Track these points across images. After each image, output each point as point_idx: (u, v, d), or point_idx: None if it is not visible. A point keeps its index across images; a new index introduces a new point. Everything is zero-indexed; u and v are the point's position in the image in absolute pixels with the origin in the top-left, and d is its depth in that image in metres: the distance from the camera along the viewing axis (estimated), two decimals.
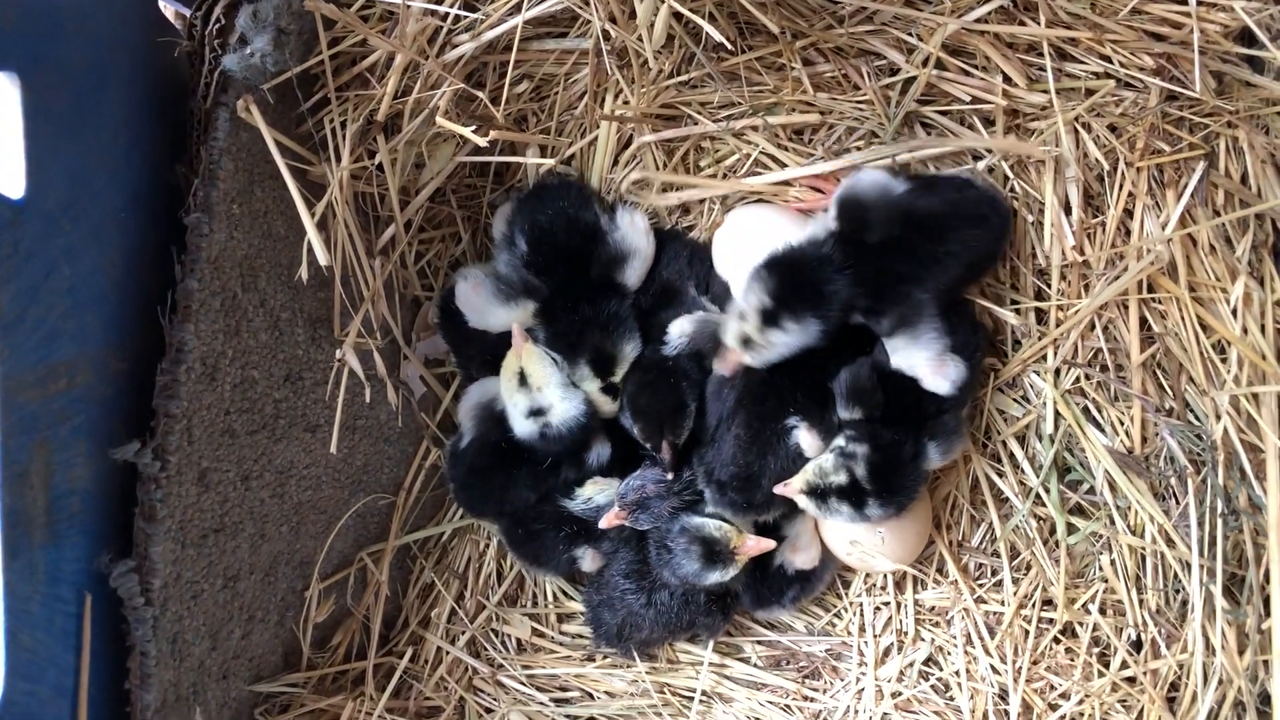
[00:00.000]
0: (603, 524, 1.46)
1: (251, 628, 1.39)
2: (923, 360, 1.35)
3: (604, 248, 1.50)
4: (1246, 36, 1.27)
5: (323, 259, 1.26)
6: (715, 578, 1.41)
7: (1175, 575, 1.39)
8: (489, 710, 1.59)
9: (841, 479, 1.36)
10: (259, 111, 1.24)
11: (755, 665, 1.63)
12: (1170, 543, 1.38)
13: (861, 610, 1.61)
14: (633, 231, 1.51)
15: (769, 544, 1.42)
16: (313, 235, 1.26)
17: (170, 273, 1.23)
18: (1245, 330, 1.31)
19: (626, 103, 1.49)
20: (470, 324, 1.51)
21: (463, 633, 1.63)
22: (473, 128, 1.25)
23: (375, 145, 1.41)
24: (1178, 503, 1.38)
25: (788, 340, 1.35)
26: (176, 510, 1.22)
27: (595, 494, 1.49)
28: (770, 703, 1.59)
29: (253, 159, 1.30)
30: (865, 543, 1.47)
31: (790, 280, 1.34)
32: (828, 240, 1.35)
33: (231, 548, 1.32)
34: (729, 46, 1.36)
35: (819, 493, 1.38)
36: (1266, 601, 1.30)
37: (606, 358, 1.48)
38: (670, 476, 1.45)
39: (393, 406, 1.51)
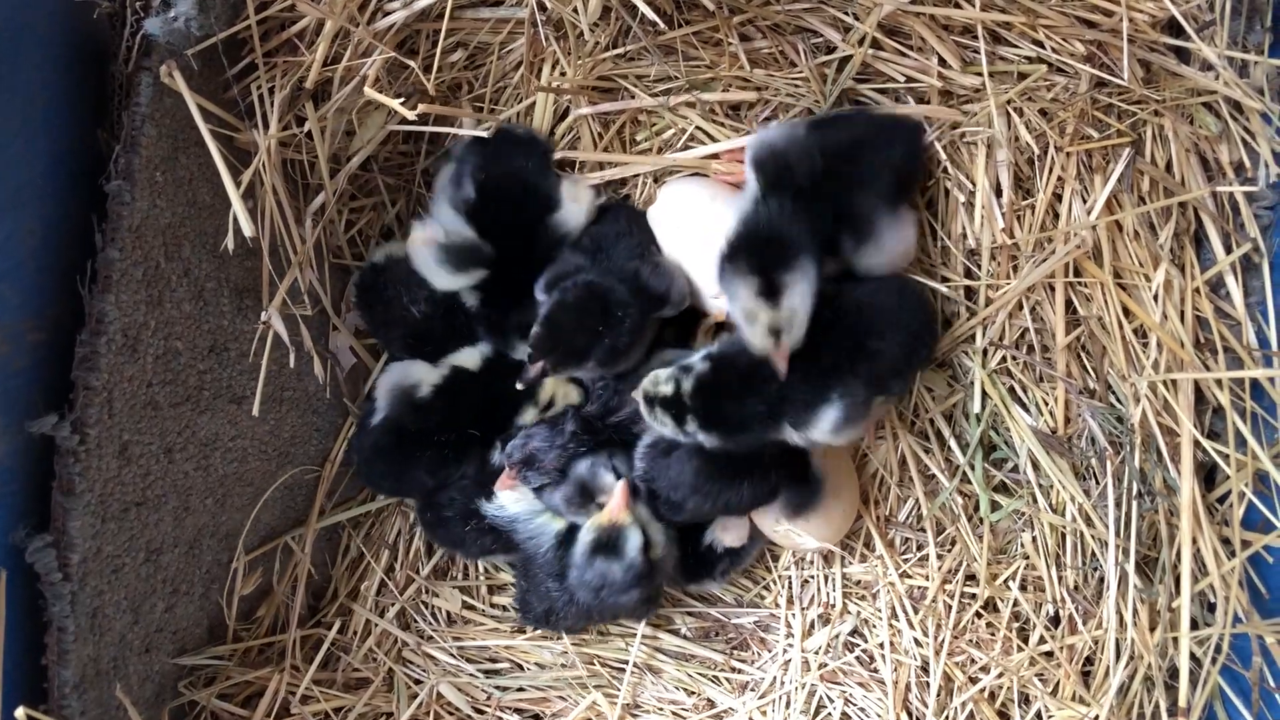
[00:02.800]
0: (497, 487, 1.45)
1: (175, 601, 1.38)
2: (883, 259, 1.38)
3: (549, 226, 1.48)
4: (1174, 27, 1.28)
5: (247, 230, 1.23)
6: (634, 548, 1.37)
7: (1093, 553, 1.43)
8: (418, 682, 1.59)
9: (668, 390, 1.35)
10: (182, 77, 1.21)
11: (685, 637, 1.64)
12: (1089, 522, 1.41)
13: (790, 583, 1.63)
14: (576, 209, 1.48)
15: (620, 486, 1.40)
16: (237, 204, 1.23)
17: (91, 242, 1.20)
18: (1165, 317, 1.34)
19: (563, 74, 1.48)
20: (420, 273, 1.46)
21: (392, 605, 1.63)
22: (401, 100, 1.23)
23: (304, 112, 1.38)
24: (1098, 483, 1.41)
25: (802, 295, 1.28)
26: (96, 484, 1.20)
27: (511, 503, 1.48)
28: (699, 674, 1.61)
29: (177, 125, 1.26)
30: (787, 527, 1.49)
31: (757, 248, 1.31)
32: (758, 204, 1.34)
33: (154, 521, 1.30)
34: (659, 23, 1.34)
35: (649, 399, 1.36)
36: (1178, 580, 1.34)
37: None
38: (520, 386, 1.40)
39: (320, 378, 1.50)
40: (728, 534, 1.52)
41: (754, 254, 1.30)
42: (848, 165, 1.33)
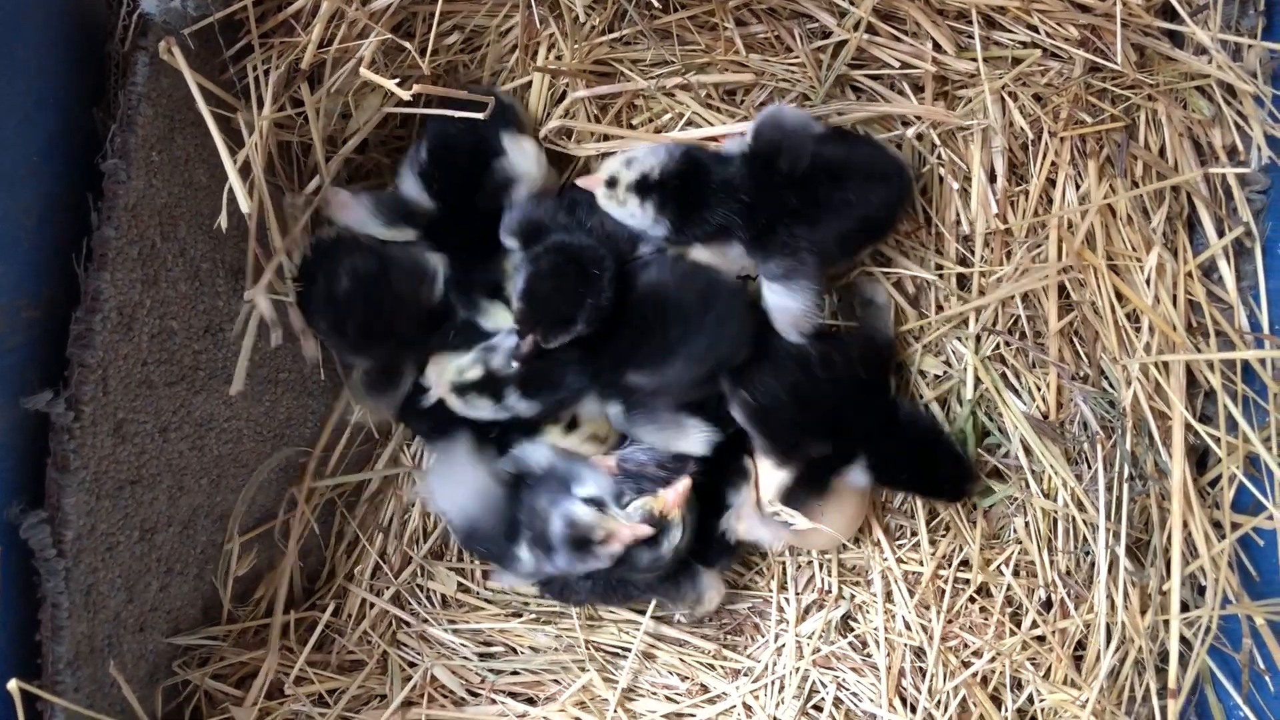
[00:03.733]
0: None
1: (169, 580, 1.38)
2: (787, 312, 1.38)
3: (491, 175, 1.46)
4: (1168, 11, 1.29)
5: (245, 206, 1.22)
6: (669, 545, 1.39)
7: (1085, 538, 1.43)
8: (412, 664, 1.59)
9: (477, 373, 1.40)
10: (182, 55, 1.21)
11: (678, 622, 1.65)
12: (1081, 506, 1.42)
13: (784, 568, 1.63)
14: (521, 157, 1.45)
15: (685, 484, 1.40)
16: (234, 180, 1.22)
17: (86, 220, 1.20)
18: (1157, 300, 1.34)
19: (560, 57, 1.48)
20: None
21: (387, 587, 1.63)
22: (396, 80, 1.23)
23: (300, 94, 1.38)
24: (1089, 467, 1.42)
25: (638, 219, 1.35)
26: (91, 461, 1.20)
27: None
28: (693, 659, 1.61)
29: (174, 105, 1.27)
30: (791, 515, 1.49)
31: (686, 183, 1.34)
32: (738, 160, 1.36)
33: (148, 500, 1.31)
34: (657, 5, 1.34)
35: (460, 391, 1.41)
36: (1169, 564, 1.34)
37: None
38: (515, 366, 1.39)
39: (315, 358, 1.50)
40: (742, 523, 1.52)
41: (683, 181, 1.34)
42: (829, 186, 1.34)
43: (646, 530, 1.36)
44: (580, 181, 1.38)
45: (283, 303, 1.39)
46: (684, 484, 1.39)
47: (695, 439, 1.42)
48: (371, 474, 1.66)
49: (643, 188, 1.33)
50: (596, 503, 1.39)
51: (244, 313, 1.36)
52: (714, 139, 1.47)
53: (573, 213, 1.45)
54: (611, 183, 1.35)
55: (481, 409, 1.42)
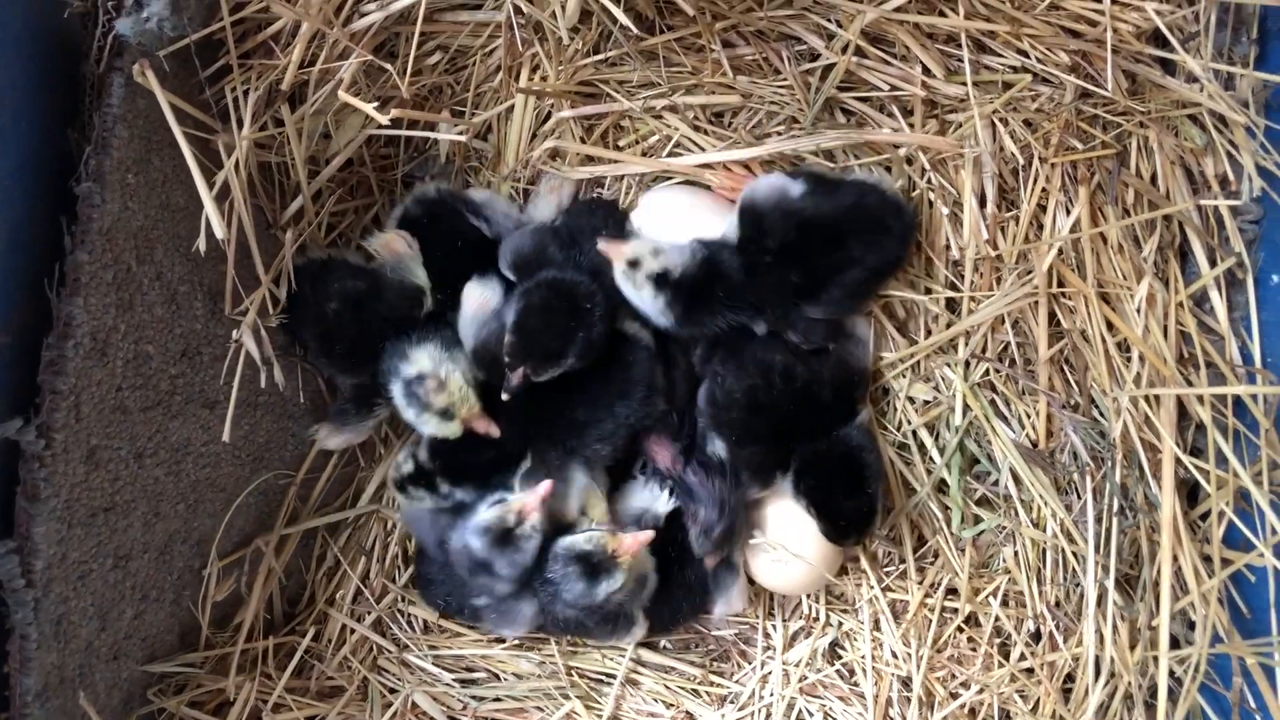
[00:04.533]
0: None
1: (145, 608, 1.36)
2: None
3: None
4: (1159, 38, 1.27)
5: (219, 232, 1.21)
6: (605, 589, 1.36)
7: (1075, 570, 1.41)
8: (393, 691, 1.57)
9: (409, 468, 1.44)
10: (155, 78, 1.20)
11: (664, 649, 1.63)
12: (1070, 538, 1.40)
13: (771, 595, 1.61)
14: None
15: (647, 535, 1.38)
16: (209, 206, 1.21)
17: (59, 244, 1.18)
18: (1148, 331, 1.32)
19: (545, 78, 1.46)
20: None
21: (368, 613, 1.61)
22: (376, 104, 1.21)
23: (281, 114, 1.37)
24: (1079, 498, 1.40)
25: (647, 306, 1.38)
26: (62, 489, 1.18)
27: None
28: (678, 686, 1.59)
29: (150, 127, 1.25)
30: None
31: (698, 287, 1.37)
32: (729, 250, 1.38)
33: (123, 526, 1.29)
34: (634, 30, 1.33)
35: (400, 485, 1.46)
36: (1159, 598, 1.32)
37: None
38: (505, 397, 1.37)
39: (296, 383, 1.48)
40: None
41: (699, 281, 1.37)
42: (827, 250, 1.36)
43: (543, 492, 1.36)
44: (602, 247, 1.38)
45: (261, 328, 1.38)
46: (645, 535, 1.38)
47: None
48: (349, 513, 1.65)
49: (660, 281, 1.36)
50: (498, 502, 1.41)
51: (230, 354, 1.34)
52: (709, 166, 1.47)
53: (571, 245, 1.44)
54: (634, 264, 1.36)
55: (423, 500, 1.46)
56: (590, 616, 1.43)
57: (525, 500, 1.37)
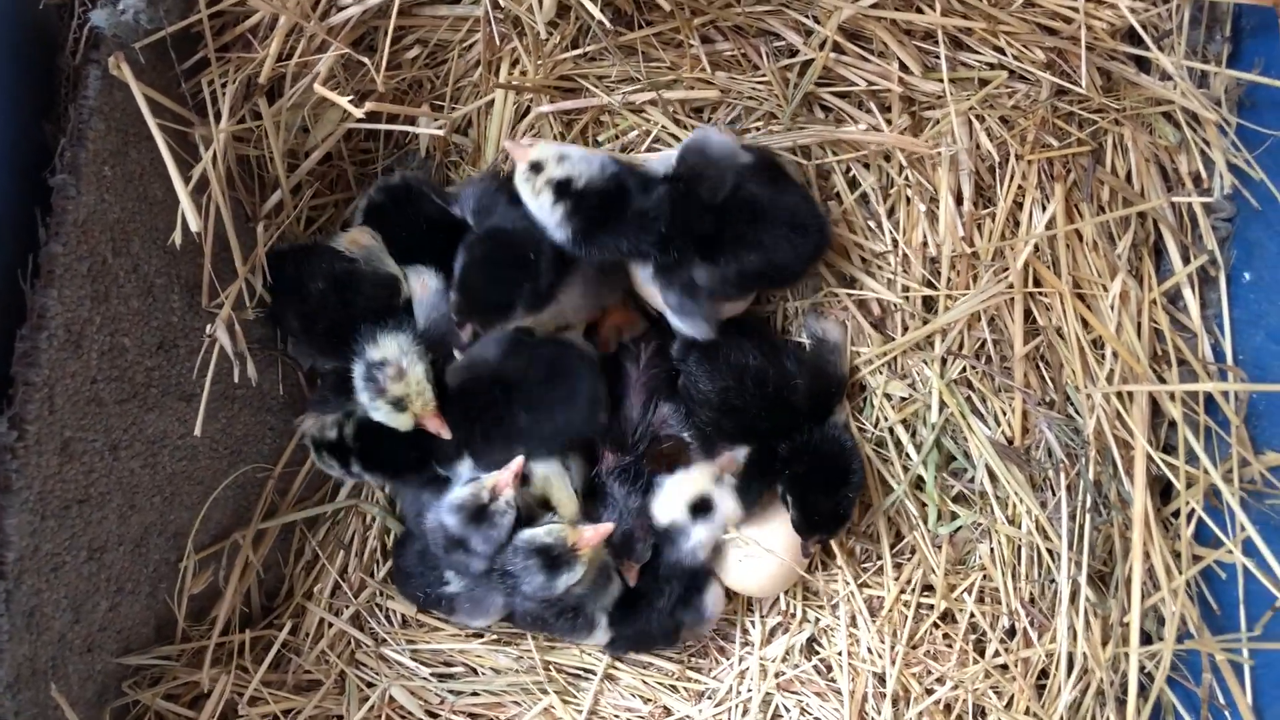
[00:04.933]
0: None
1: (120, 600, 1.36)
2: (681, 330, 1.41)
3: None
4: (1134, 36, 1.27)
5: (194, 225, 1.22)
6: (565, 581, 1.36)
7: (1049, 566, 1.41)
8: (370, 685, 1.57)
9: (332, 435, 1.44)
10: (130, 70, 1.19)
11: None
12: (1045, 534, 1.40)
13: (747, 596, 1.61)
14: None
15: (607, 528, 1.39)
16: (184, 199, 1.21)
17: (34, 236, 1.18)
18: (1121, 328, 1.32)
19: (524, 73, 1.46)
20: None
21: (346, 606, 1.61)
22: (351, 98, 1.21)
23: (259, 108, 1.37)
24: (1054, 494, 1.40)
25: (544, 214, 1.33)
26: (35, 481, 1.18)
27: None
28: (656, 682, 1.59)
29: (127, 119, 1.25)
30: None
31: (604, 204, 1.32)
32: (660, 185, 1.35)
33: (97, 519, 1.29)
34: (609, 25, 1.33)
35: (316, 444, 1.47)
36: (1130, 595, 1.32)
37: None
38: (456, 354, 1.39)
39: (275, 376, 1.48)
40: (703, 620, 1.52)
41: (603, 196, 1.33)
42: (745, 223, 1.34)
43: (513, 470, 1.37)
44: (506, 145, 1.36)
45: (246, 323, 1.38)
46: (605, 528, 1.38)
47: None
48: (327, 507, 1.65)
49: (561, 189, 1.31)
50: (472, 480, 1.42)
51: (204, 350, 1.34)
52: None
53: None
54: (536, 168, 1.32)
55: (331, 469, 1.48)
56: (549, 610, 1.44)
57: (498, 477, 1.38)
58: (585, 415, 1.44)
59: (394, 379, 1.34)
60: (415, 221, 1.46)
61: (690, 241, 1.32)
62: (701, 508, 1.44)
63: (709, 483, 1.44)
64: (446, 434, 1.37)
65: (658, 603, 1.48)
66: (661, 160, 1.40)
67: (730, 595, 1.59)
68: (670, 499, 1.46)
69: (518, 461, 1.38)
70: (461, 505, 1.38)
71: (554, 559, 1.36)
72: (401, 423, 1.37)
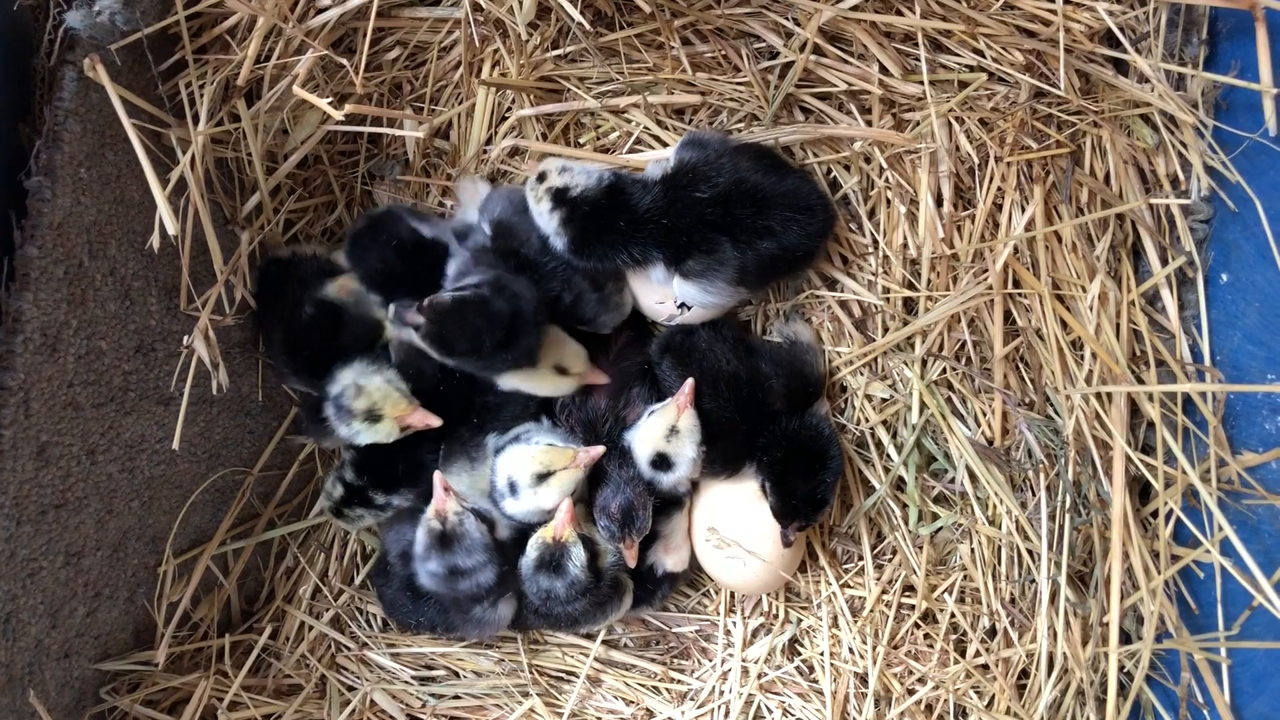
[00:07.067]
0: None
1: (98, 605, 1.35)
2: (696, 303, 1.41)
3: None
4: (1111, 38, 1.28)
5: (171, 227, 1.21)
6: (577, 564, 1.38)
7: (1029, 566, 1.42)
8: (351, 689, 1.56)
9: (339, 491, 1.46)
10: (106, 72, 1.18)
11: (625, 646, 1.63)
12: (1025, 535, 1.40)
13: (731, 591, 1.61)
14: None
15: (598, 450, 1.40)
16: (160, 202, 1.20)
17: (9, 239, 1.17)
18: (1100, 329, 1.33)
19: (504, 74, 1.46)
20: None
21: (327, 610, 1.61)
22: (330, 100, 1.21)
23: (237, 110, 1.36)
24: (1034, 495, 1.40)
25: (543, 222, 1.37)
26: (10, 486, 1.17)
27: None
28: (638, 684, 1.59)
29: (104, 121, 1.24)
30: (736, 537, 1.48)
31: (597, 214, 1.35)
32: (657, 185, 1.37)
33: (75, 524, 1.28)
34: (589, 27, 1.33)
35: (336, 514, 1.48)
36: (1109, 595, 1.33)
37: None
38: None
39: (255, 379, 1.48)
40: (670, 556, 1.51)
41: (601, 208, 1.36)
42: (751, 211, 1.35)
43: (567, 513, 1.38)
44: (529, 163, 1.41)
45: (224, 329, 1.37)
46: (565, 505, 1.39)
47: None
48: (310, 522, 1.65)
49: (558, 198, 1.35)
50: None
51: (182, 359, 1.33)
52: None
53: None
54: (542, 178, 1.37)
55: (363, 518, 1.48)
56: (594, 592, 1.43)
57: (553, 525, 1.39)
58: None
59: (354, 396, 1.36)
60: (389, 242, 1.46)
61: (698, 221, 1.34)
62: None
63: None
64: (435, 421, 1.38)
65: None
66: (657, 164, 1.41)
67: (715, 591, 1.61)
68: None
69: (567, 505, 1.38)
70: (540, 562, 1.40)
71: (553, 561, 1.38)
72: (384, 433, 1.37)
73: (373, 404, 1.35)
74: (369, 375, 1.37)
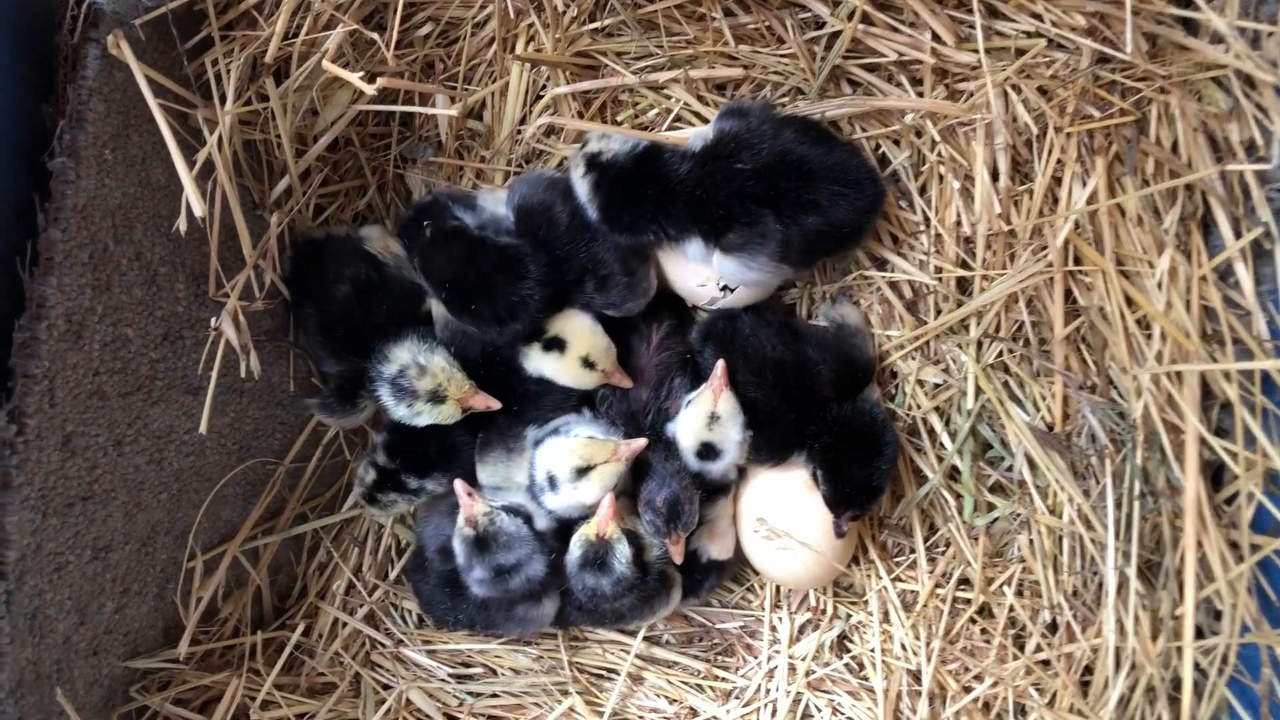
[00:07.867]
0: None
1: (126, 601, 1.31)
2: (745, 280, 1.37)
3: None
4: None
5: (198, 210, 1.16)
6: (622, 561, 1.35)
7: (1093, 558, 1.35)
8: (386, 687, 1.52)
9: (371, 476, 1.43)
10: (130, 49, 1.14)
11: (667, 643, 1.57)
12: (1088, 524, 1.34)
13: (777, 585, 1.56)
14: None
15: (640, 442, 1.36)
16: (188, 184, 1.16)
17: (33, 222, 1.13)
18: (1170, 306, 1.26)
19: (539, 50, 1.41)
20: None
21: (361, 606, 1.56)
22: (360, 74, 1.16)
23: (265, 89, 1.31)
24: (1097, 483, 1.34)
25: (578, 188, 1.36)
26: (36, 477, 1.13)
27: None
28: (681, 681, 1.54)
29: (128, 101, 1.20)
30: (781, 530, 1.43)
31: (627, 179, 1.33)
32: (694, 157, 1.33)
33: (102, 517, 1.24)
34: None
35: (368, 499, 1.45)
36: (1182, 586, 1.26)
37: None
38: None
39: (285, 368, 1.43)
40: (715, 543, 1.46)
41: (635, 176, 1.33)
42: (795, 185, 1.29)
43: (610, 507, 1.34)
44: (571, 125, 1.43)
45: (254, 315, 1.33)
46: (607, 501, 1.35)
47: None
48: (337, 518, 1.61)
49: (591, 163, 1.34)
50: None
51: (209, 343, 1.29)
52: None
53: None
54: (584, 144, 1.36)
55: (396, 504, 1.45)
56: (640, 588, 1.39)
57: (595, 522, 1.36)
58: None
59: (418, 376, 1.32)
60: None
61: (737, 193, 1.29)
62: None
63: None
64: (496, 404, 1.36)
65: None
66: (698, 135, 1.36)
67: (760, 586, 1.56)
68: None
69: (609, 501, 1.35)
70: (583, 560, 1.36)
71: (598, 559, 1.35)
72: (447, 414, 1.35)
73: (438, 385, 1.32)
74: (429, 354, 1.33)
